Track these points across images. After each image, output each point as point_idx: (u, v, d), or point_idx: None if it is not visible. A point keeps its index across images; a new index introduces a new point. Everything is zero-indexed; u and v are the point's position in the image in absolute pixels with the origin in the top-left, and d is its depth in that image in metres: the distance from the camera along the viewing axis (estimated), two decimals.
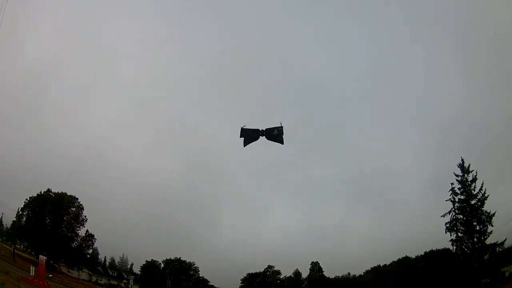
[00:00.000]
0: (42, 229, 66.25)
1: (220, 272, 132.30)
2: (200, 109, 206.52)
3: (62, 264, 75.19)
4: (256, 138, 11.89)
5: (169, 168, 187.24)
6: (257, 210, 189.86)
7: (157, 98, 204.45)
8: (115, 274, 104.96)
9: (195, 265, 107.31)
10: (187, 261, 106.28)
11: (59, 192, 72.70)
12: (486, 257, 55.13)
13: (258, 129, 11.75)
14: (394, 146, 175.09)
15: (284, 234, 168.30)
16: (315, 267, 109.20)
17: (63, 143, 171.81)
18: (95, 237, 75.66)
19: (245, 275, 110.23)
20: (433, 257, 79.46)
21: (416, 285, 73.50)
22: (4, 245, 68.41)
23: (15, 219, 68.30)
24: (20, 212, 68.62)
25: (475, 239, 56.74)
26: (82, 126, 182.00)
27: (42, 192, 71.39)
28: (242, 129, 12.00)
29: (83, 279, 77.39)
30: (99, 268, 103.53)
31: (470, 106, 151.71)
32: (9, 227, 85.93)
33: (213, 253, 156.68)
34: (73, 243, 72.40)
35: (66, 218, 72.03)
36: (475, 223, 57.08)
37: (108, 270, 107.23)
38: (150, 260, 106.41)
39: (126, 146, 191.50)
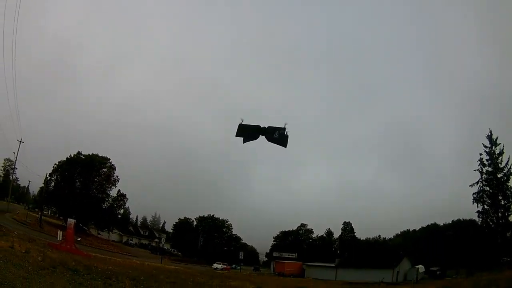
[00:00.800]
0: (72, 193, 65.82)
1: (253, 229, 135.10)
2: (233, 68, 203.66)
3: (92, 226, 76.43)
4: (256, 137, 9.88)
5: (201, 125, 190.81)
6: (290, 168, 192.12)
7: (190, 58, 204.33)
8: (147, 234, 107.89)
9: (228, 222, 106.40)
10: (220, 218, 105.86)
11: (90, 154, 71.67)
12: (508, 234, 56.25)
13: (259, 126, 9.62)
14: (427, 110, 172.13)
15: (317, 193, 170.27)
16: (347, 227, 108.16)
17: (93, 105, 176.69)
18: (127, 196, 74.91)
19: (278, 233, 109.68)
20: (460, 226, 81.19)
21: (443, 253, 74.11)
22: (31, 213, 68.20)
23: (43, 185, 67.76)
24: (49, 178, 68.04)
25: (499, 214, 57.38)
26: (112, 88, 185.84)
27: (72, 156, 70.36)
28: (239, 125, 9.80)
29: (113, 240, 78.70)
30: (130, 228, 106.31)
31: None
32: (36, 194, 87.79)
33: (246, 210, 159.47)
34: (104, 204, 72.02)
35: (97, 179, 71.27)
36: (500, 197, 57.49)
37: (140, 230, 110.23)
38: (182, 218, 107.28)
39: (158, 105, 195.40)
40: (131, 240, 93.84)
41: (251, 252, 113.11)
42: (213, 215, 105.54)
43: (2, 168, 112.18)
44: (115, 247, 63.25)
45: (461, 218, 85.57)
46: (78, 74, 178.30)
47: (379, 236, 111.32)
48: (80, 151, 71.83)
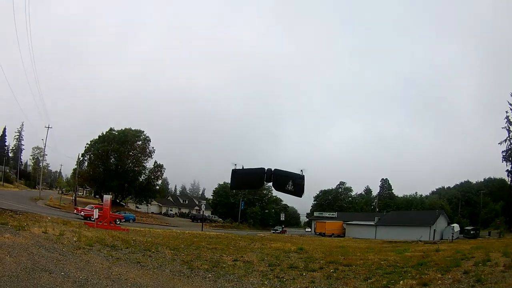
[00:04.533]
0: (107, 169, 67.73)
1: None
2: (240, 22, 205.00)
3: (130, 201, 79.48)
4: (258, 186, 8.58)
5: (222, 89, 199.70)
6: (318, 124, 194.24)
7: (199, 23, 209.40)
8: (186, 202, 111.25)
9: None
10: None
11: (123, 129, 72.46)
12: None
13: (262, 170, 7.51)
14: (453, 63, 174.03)
15: (348, 150, 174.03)
16: (385, 184, 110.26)
17: (111, 81, 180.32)
18: (164, 167, 75.50)
19: (318, 192, 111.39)
20: (493, 185, 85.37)
21: (477, 212, 79.40)
22: (65, 196, 70.81)
23: (75, 166, 69.34)
24: (81, 158, 69.51)
25: None
26: (129, 61, 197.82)
27: (104, 133, 71.41)
28: (233, 172, 7.68)
29: (152, 212, 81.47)
30: (169, 198, 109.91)
31: None
32: (70, 176, 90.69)
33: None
34: (140, 177, 73.44)
35: (132, 153, 72.38)
36: None
37: (179, 199, 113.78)
38: (222, 183, 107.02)
39: (182, 73, 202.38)
40: (171, 210, 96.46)
41: (292, 214, 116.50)
42: None
43: (32, 158, 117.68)
44: (154, 219, 65.38)
45: (492, 177, 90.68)
46: (89, 55, 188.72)
47: (416, 193, 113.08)
48: (112, 127, 72.94)
